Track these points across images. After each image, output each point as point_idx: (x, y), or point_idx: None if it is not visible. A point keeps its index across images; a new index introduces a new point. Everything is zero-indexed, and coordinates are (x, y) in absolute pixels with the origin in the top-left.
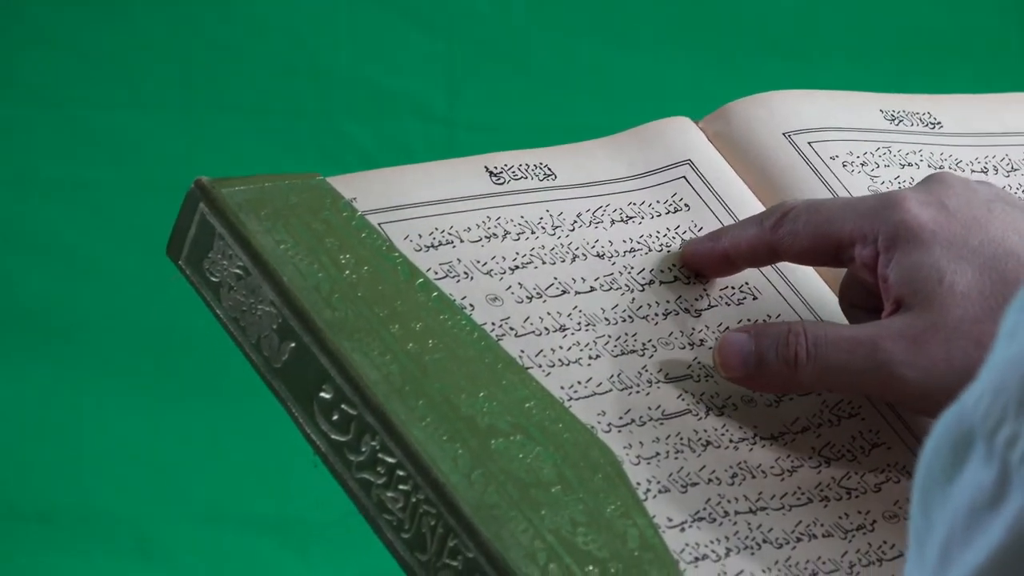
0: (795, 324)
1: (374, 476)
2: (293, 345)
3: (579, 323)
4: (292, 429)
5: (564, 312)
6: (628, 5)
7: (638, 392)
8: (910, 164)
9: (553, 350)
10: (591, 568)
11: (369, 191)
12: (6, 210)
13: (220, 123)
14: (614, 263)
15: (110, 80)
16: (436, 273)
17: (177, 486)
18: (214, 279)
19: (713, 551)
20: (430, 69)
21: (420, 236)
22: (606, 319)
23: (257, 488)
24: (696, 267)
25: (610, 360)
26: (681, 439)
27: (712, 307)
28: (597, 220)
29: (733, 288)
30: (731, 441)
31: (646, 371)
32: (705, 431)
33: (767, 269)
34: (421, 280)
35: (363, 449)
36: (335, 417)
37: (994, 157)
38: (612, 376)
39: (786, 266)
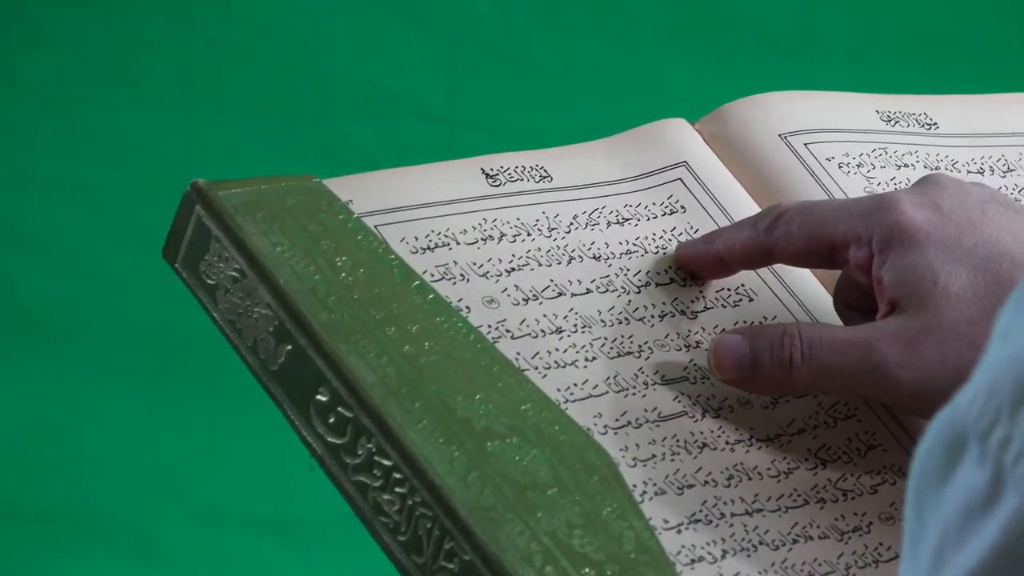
0: (790, 326)
1: (370, 479)
2: (289, 348)
3: (575, 325)
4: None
5: (560, 314)
6: (628, 5)
7: (634, 394)
8: (906, 165)
9: (549, 352)
10: (587, 570)
11: (365, 193)
12: (6, 210)
13: (220, 123)
14: (610, 265)
15: (110, 80)
16: (432, 275)
17: (177, 486)
18: (210, 282)
19: (709, 553)
20: (430, 69)
21: (416, 238)
22: (602, 321)
23: (257, 488)
24: (690, 269)
25: (606, 362)
26: (677, 441)
27: (708, 309)
28: (593, 222)
29: (729, 290)
30: (727, 443)
31: (642, 373)
32: (701, 433)
33: (763, 271)
34: (417, 282)
35: (359, 452)
36: (331, 420)
37: (990, 158)
38: (608, 378)
39: (782, 268)
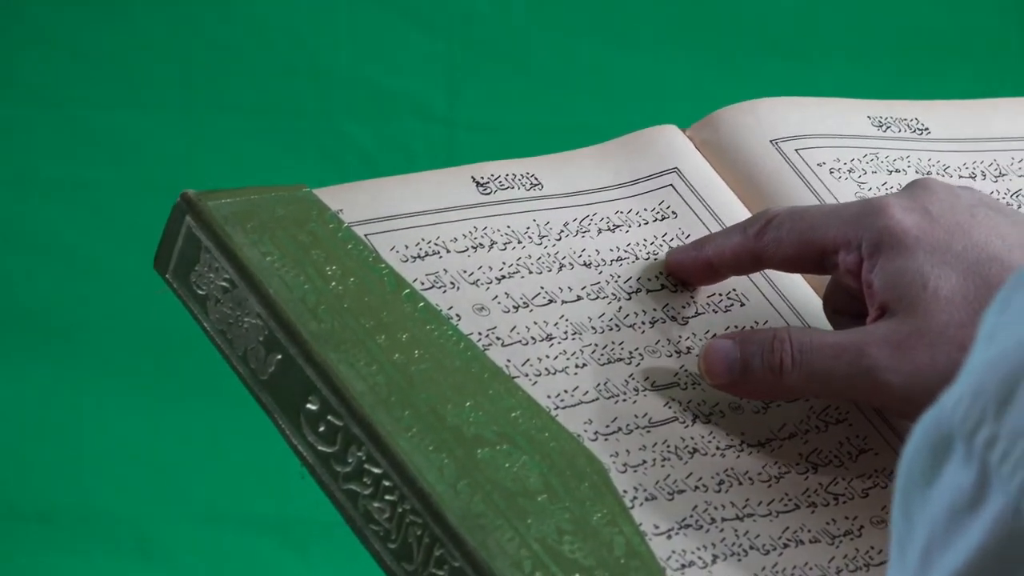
0: (780, 330)
1: (360, 487)
2: (279, 357)
3: (566, 332)
4: None
5: (551, 321)
6: (628, 5)
7: (625, 400)
8: (898, 170)
9: (540, 359)
10: None
11: (355, 202)
12: (6, 210)
13: (220, 123)
14: (601, 272)
15: (110, 80)
16: (422, 284)
17: (177, 486)
18: (201, 292)
19: (700, 558)
20: (430, 69)
21: (407, 247)
22: (593, 328)
23: (257, 488)
24: (680, 276)
25: (596, 369)
26: (668, 447)
27: (699, 314)
28: (584, 229)
29: (720, 295)
30: (718, 448)
31: (633, 379)
32: (692, 438)
33: (754, 276)
34: (407, 291)
35: (349, 460)
36: (321, 428)
37: (982, 162)
38: (598, 385)
39: (773, 272)
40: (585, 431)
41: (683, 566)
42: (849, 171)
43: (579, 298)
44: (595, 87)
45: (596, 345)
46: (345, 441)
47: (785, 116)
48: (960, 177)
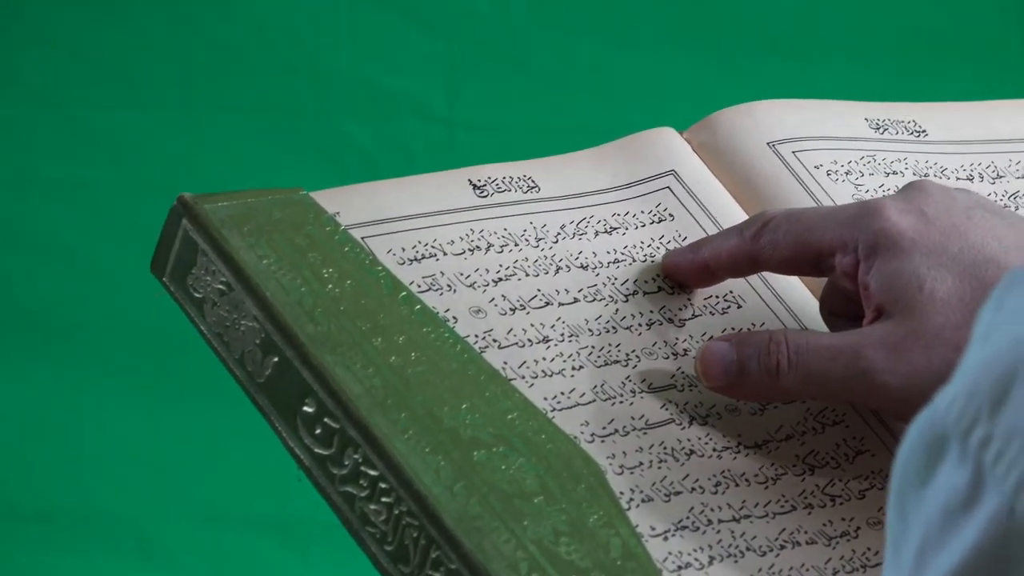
0: (776, 333)
1: (357, 489)
2: (276, 360)
3: (562, 334)
4: None
5: (547, 323)
6: (628, 5)
7: (621, 402)
8: (895, 172)
9: (536, 361)
10: None
11: (352, 205)
12: (6, 210)
13: (220, 123)
14: (598, 274)
15: (110, 80)
16: (419, 286)
17: (177, 486)
18: (198, 295)
19: (696, 559)
20: (430, 69)
21: (403, 249)
22: (589, 330)
23: (257, 488)
24: (677, 279)
25: (593, 371)
26: (664, 448)
27: (696, 317)
28: (581, 232)
29: (717, 297)
30: (714, 450)
31: (629, 381)
32: (688, 440)
33: (751, 278)
34: (404, 293)
35: (346, 462)
36: (318, 431)
37: (980, 164)
38: (595, 387)
39: (770, 275)
40: (582, 433)
41: (680, 567)
42: (846, 173)
43: (576, 300)
44: (595, 87)
45: (593, 347)
46: (341, 443)
47: (782, 118)
48: (958, 179)
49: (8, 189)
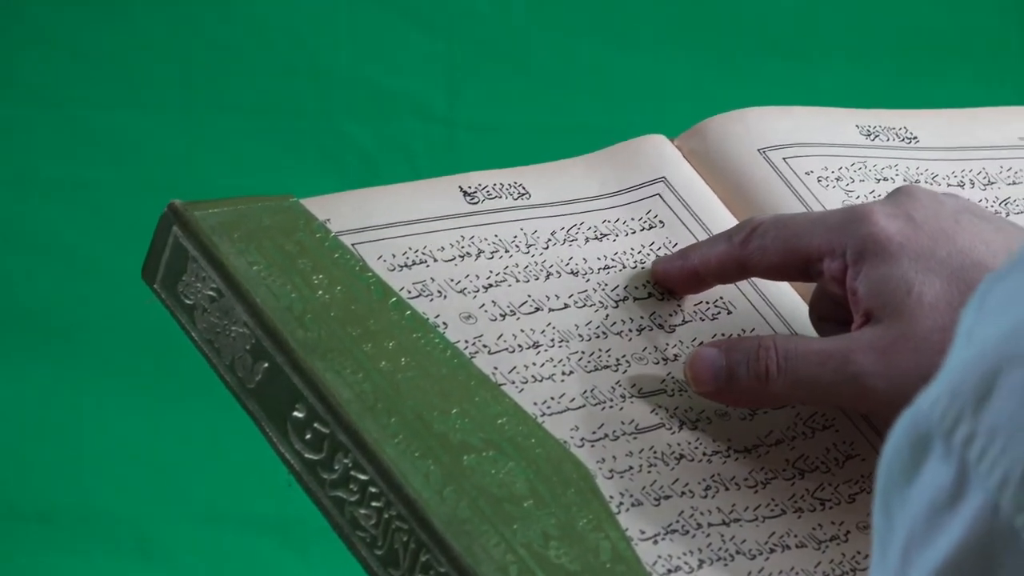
0: (765, 338)
1: (347, 494)
2: (266, 365)
3: (552, 340)
4: None
5: (537, 329)
6: (628, 5)
7: (611, 407)
8: (886, 179)
9: (526, 366)
10: None
11: (342, 212)
12: (6, 210)
13: (220, 123)
14: (588, 280)
15: (110, 80)
16: (409, 292)
17: (177, 486)
18: (188, 302)
19: (686, 563)
20: (430, 69)
21: (393, 256)
22: (579, 335)
23: (257, 488)
24: (666, 285)
25: (583, 376)
26: (654, 453)
27: (686, 322)
28: (571, 238)
29: (707, 303)
30: (704, 454)
31: (619, 386)
32: (679, 444)
33: (741, 283)
34: (394, 299)
35: (336, 467)
36: (308, 436)
37: (971, 171)
38: (585, 391)
39: (760, 280)
40: (572, 437)
41: (669, 571)
42: (837, 179)
43: (566, 306)
44: (595, 87)
45: (583, 353)
46: (331, 448)
47: (773, 125)
48: (948, 185)
49: (8, 189)
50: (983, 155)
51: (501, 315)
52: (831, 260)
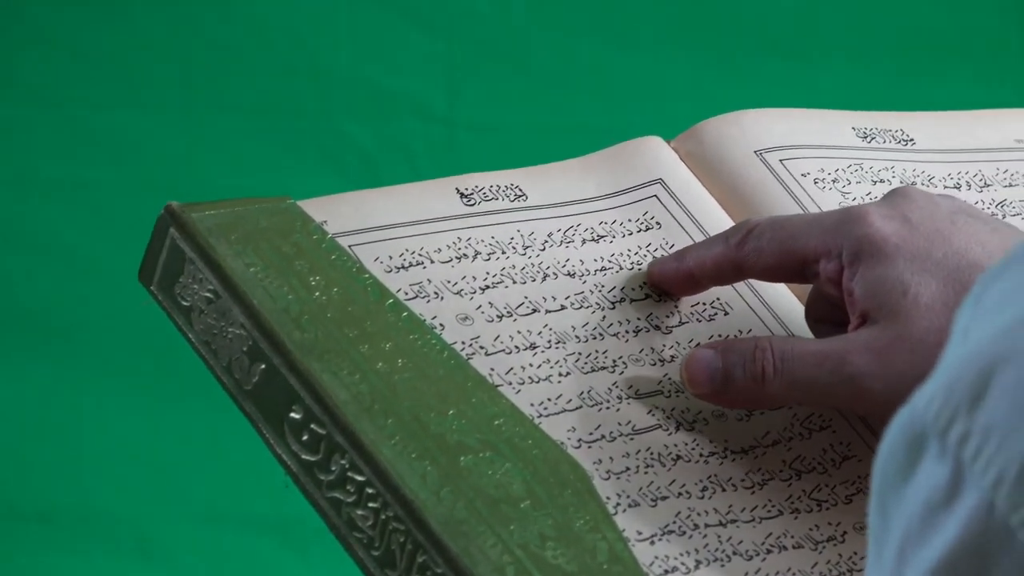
0: (761, 339)
1: (344, 495)
2: (263, 367)
3: (549, 341)
4: None
5: (534, 330)
6: (628, 5)
7: (608, 408)
8: (882, 181)
9: (523, 368)
10: None
11: (339, 214)
12: (6, 210)
13: (220, 123)
14: (585, 282)
15: (110, 80)
16: (406, 294)
17: (177, 486)
18: (185, 303)
19: (683, 563)
20: (430, 69)
21: (390, 257)
22: (576, 337)
23: (257, 488)
24: (662, 287)
25: (580, 377)
26: (651, 454)
27: (683, 324)
28: (568, 240)
29: (704, 304)
30: (701, 455)
31: (616, 387)
32: (675, 446)
33: (738, 285)
34: (391, 301)
35: (333, 468)
36: (305, 437)
37: (967, 173)
38: (582, 393)
39: (757, 281)
40: (568, 439)
41: (666, 572)
42: (833, 181)
43: (563, 307)
44: (595, 87)
45: (580, 354)
46: (328, 449)
47: (769, 127)
48: (945, 187)
49: (8, 189)
50: (980, 157)
51: (498, 316)
52: (827, 261)
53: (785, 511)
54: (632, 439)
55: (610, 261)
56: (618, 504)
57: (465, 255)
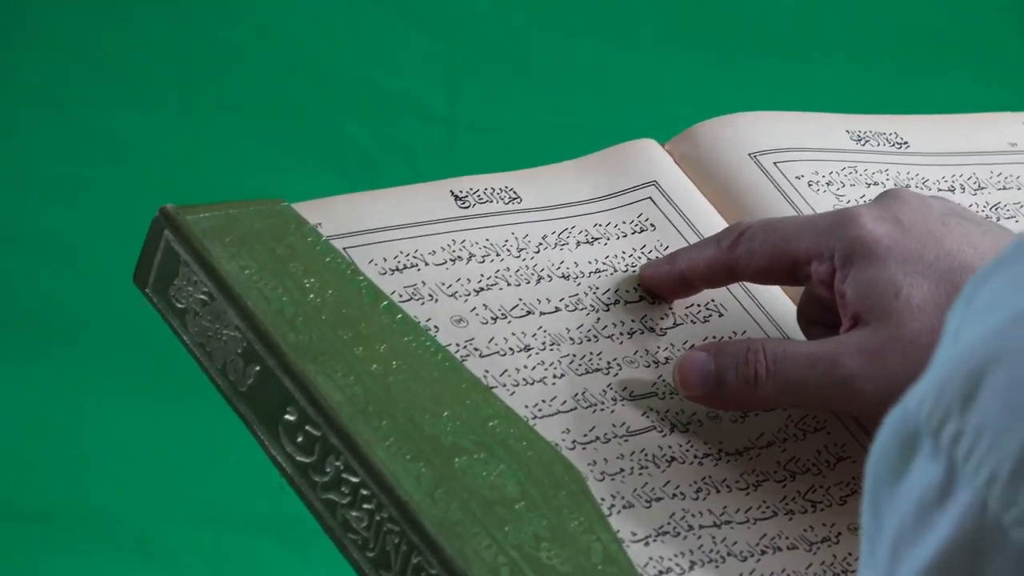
0: (754, 342)
1: (339, 496)
2: (258, 369)
3: (543, 343)
4: None
5: (529, 332)
6: (628, 5)
7: (602, 410)
8: (876, 183)
9: (518, 369)
10: None
11: (334, 216)
12: (6, 210)
13: (220, 123)
14: (579, 284)
15: (110, 80)
16: (401, 296)
17: (177, 486)
18: (180, 305)
19: (677, 564)
20: (430, 69)
21: (385, 260)
22: (570, 339)
23: (257, 488)
24: (654, 290)
25: (574, 379)
26: (645, 455)
27: (677, 325)
28: (563, 242)
29: (698, 306)
30: (696, 457)
31: (610, 389)
32: (670, 447)
33: (732, 286)
34: (386, 303)
35: (327, 470)
36: (300, 439)
37: (961, 176)
38: (576, 394)
39: (751, 284)
40: (563, 440)
41: (660, 573)
42: (827, 184)
43: (557, 309)
44: (595, 87)
45: (574, 356)
46: (323, 451)
47: (764, 130)
48: (939, 190)
49: (8, 189)
50: (973, 160)
51: (492, 318)
52: (819, 263)
53: (779, 512)
54: (626, 440)
55: (604, 263)
56: (612, 505)
57: (460, 257)
